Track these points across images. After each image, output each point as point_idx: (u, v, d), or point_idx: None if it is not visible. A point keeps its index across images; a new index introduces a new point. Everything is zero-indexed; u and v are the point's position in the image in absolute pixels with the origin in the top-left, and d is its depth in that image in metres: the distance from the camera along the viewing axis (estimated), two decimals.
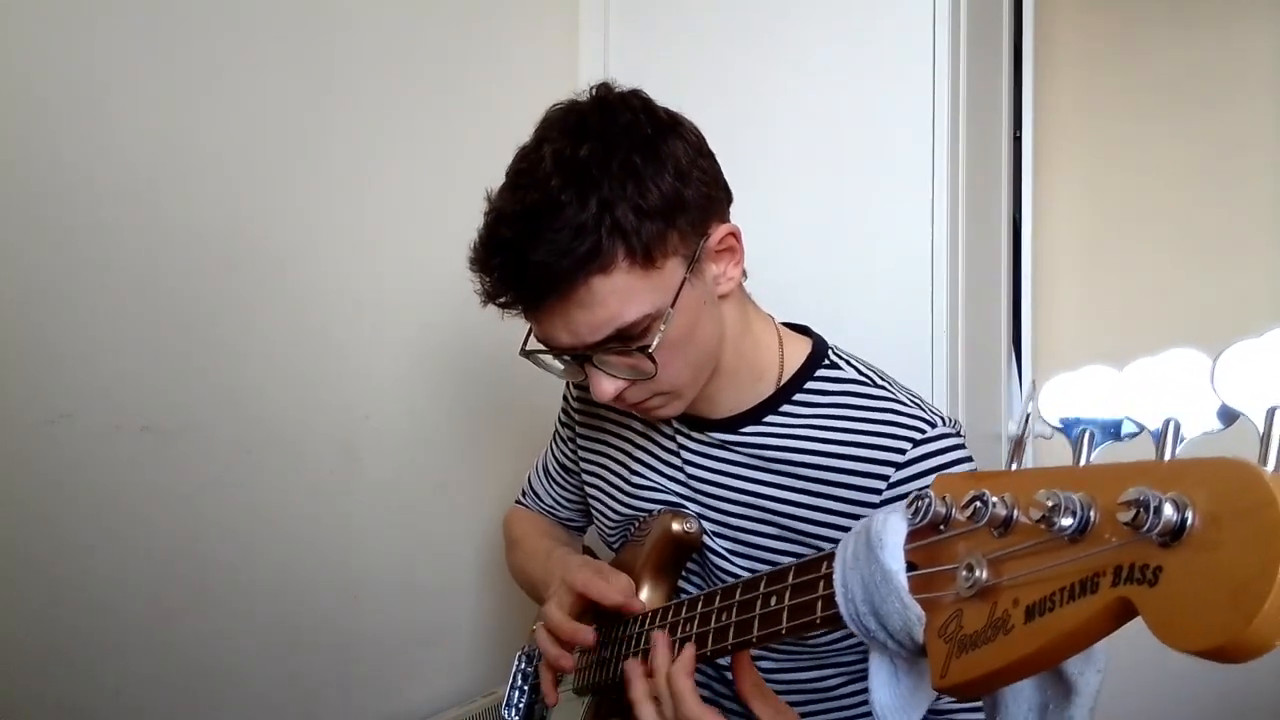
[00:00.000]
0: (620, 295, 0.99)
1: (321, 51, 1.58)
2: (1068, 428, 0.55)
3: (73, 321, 1.28)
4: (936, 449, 1.08)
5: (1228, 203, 2.22)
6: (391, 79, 1.70)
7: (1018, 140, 2.31)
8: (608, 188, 0.97)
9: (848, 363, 1.18)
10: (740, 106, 1.92)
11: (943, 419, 1.11)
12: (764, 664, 1.18)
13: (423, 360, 1.78)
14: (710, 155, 1.09)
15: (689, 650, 0.93)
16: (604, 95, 1.07)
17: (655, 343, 1.02)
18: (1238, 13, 2.20)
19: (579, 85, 2.04)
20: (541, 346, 1.08)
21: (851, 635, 1.11)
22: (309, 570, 1.59)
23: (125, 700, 1.35)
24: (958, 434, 1.10)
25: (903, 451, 1.08)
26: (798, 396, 1.16)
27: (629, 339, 1.02)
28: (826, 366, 1.17)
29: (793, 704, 1.19)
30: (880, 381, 1.15)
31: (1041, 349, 2.41)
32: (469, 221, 1.81)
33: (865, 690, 1.16)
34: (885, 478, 1.08)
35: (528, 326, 1.08)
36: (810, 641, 1.14)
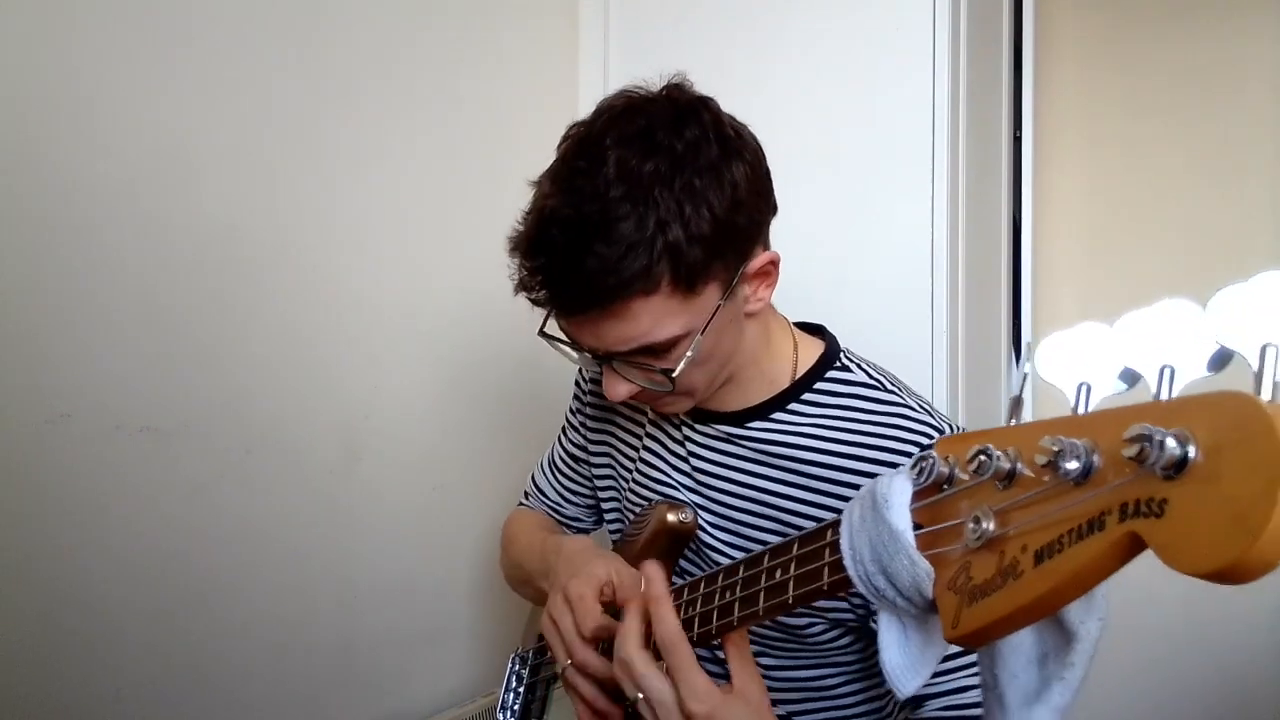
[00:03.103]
0: (655, 316, 0.99)
1: (322, 51, 1.58)
2: (1065, 382, 0.55)
3: (73, 321, 1.28)
4: None
5: (1228, 202, 2.22)
6: (391, 78, 1.70)
7: (1018, 140, 2.32)
8: (665, 209, 0.95)
9: (859, 366, 1.18)
10: (740, 107, 1.90)
11: (952, 426, 1.11)
12: (764, 660, 1.18)
13: (422, 361, 1.78)
14: (767, 175, 1.08)
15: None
16: (676, 99, 1.04)
17: (680, 367, 1.02)
18: (1238, 12, 2.21)
19: (579, 85, 2.08)
20: (562, 335, 1.07)
21: (849, 635, 1.12)
22: (309, 570, 1.59)
23: (125, 700, 1.34)
24: None
25: (910, 455, 1.07)
26: (807, 396, 1.16)
27: (654, 354, 1.02)
28: (838, 369, 1.17)
29: (791, 701, 1.19)
30: (890, 386, 1.15)
31: None
32: (469, 221, 1.83)
33: (862, 689, 1.18)
34: None
35: (544, 312, 1.07)
36: (809, 640, 1.14)
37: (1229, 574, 0.40)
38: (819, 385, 1.16)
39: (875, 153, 1.84)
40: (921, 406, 1.12)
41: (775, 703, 1.19)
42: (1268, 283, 0.46)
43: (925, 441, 1.08)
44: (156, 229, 1.36)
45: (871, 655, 1.16)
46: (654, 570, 0.93)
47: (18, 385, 1.24)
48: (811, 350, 1.19)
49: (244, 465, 1.48)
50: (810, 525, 1.10)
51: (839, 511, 1.07)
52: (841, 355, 1.19)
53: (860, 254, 1.84)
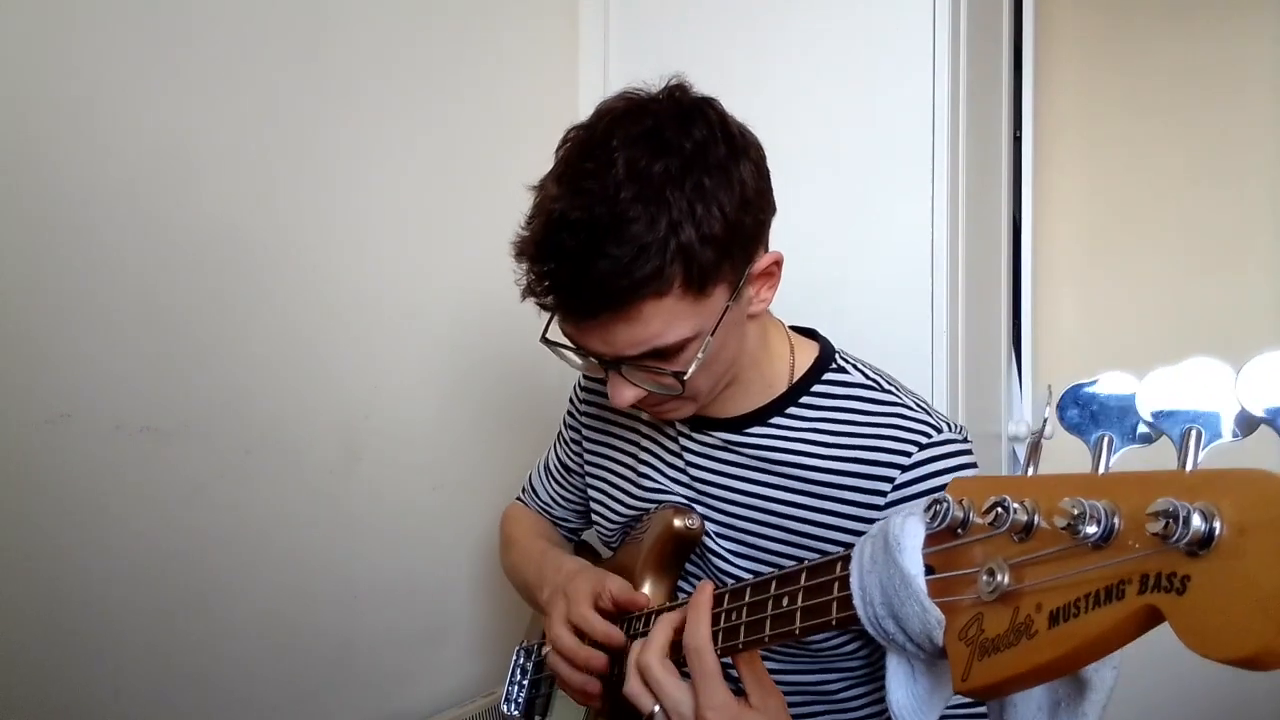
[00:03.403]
0: (666, 318, 0.98)
1: (322, 51, 1.57)
2: (1086, 432, 0.55)
3: (72, 321, 1.27)
4: (942, 454, 1.08)
5: (1228, 202, 2.22)
6: (391, 79, 1.69)
7: (1018, 140, 2.31)
8: (677, 209, 0.94)
9: (854, 367, 1.18)
10: (740, 107, 1.90)
11: (949, 424, 1.10)
12: (767, 665, 1.17)
13: (422, 361, 1.78)
14: (768, 175, 1.07)
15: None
16: (680, 99, 1.03)
17: (692, 369, 1.02)
18: (1238, 13, 2.20)
19: (579, 85, 2.07)
20: (565, 340, 1.06)
21: (856, 641, 1.12)
22: (309, 570, 1.59)
23: (125, 700, 1.34)
24: (964, 440, 1.10)
25: (909, 455, 1.07)
26: (804, 400, 1.16)
27: (663, 357, 1.01)
28: (833, 371, 1.17)
29: (794, 704, 1.19)
30: (887, 386, 1.15)
31: (1042, 349, 2.41)
32: (469, 221, 1.82)
33: (866, 694, 1.18)
34: (891, 480, 1.07)
35: (547, 315, 1.05)
36: (814, 645, 1.14)
37: (1252, 663, 0.39)
38: (816, 388, 1.16)
39: (875, 153, 1.83)
40: (919, 405, 1.12)
41: None
42: None
43: (924, 440, 1.08)
44: (156, 229, 1.36)
45: (875, 660, 1.16)
46: (707, 585, 0.93)
47: (18, 385, 1.23)
48: (807, 352, 1.19)
49: (244, 465, 1.48)
50: (814, 531, 1.11)
51: (842, 516, 1.09)
52: (837, 356, 1.19)
53: (860, 254, 1.84)
